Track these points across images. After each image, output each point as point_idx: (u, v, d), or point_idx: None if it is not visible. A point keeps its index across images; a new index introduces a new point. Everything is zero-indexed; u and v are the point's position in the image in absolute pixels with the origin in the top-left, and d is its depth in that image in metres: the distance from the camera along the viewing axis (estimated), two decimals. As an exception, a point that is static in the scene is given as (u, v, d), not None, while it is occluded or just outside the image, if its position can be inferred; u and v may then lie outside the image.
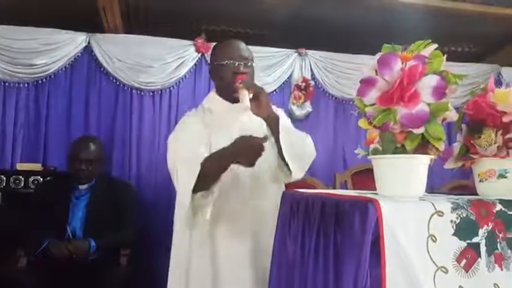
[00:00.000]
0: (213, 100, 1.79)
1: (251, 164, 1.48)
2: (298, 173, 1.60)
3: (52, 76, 3.35)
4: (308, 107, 3.81)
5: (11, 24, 3.25)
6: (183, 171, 1.56)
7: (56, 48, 3.31)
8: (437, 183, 3.33)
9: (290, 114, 3.75)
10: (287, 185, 1.80)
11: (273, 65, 3.71)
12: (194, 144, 1.61)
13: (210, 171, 1.51)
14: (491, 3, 3.31)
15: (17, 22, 3.24)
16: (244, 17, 3.49)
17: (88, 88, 3.44)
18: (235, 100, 1.63)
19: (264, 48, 3.69)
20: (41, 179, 2.95)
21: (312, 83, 3.79)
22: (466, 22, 3.55)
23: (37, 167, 3.10)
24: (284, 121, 1.71)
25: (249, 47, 3.68)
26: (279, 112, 1.83)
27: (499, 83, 4.07)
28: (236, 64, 1.68)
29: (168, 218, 3.38)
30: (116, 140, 3.43)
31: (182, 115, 3.46)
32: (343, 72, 3.81)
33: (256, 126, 1.64)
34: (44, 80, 3.34)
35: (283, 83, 3.79)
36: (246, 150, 1.48)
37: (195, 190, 1.52)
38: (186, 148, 1.61)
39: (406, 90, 0.94)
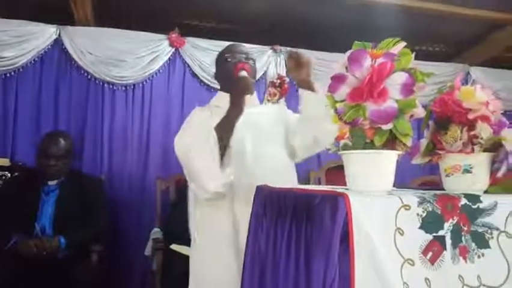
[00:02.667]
0: (220, 98, 1.85)
1: (241, 102, 1.62)
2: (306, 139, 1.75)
3: (21, 69, 3.26)
4: (283, 104, 3.82)
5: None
6: (202, 156, 1.59)
7: (25, 40, 3.22)
8: (408, 178, 3.40)
9: (265, 111, 3.77)
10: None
11: (247, 61, 3.71)
12: (205, 128, 1.65)
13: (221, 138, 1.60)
14: (461, 4, 3.40)
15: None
16: (219, 12, 3.48)
17: (58, 82, 3.36)
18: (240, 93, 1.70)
19: (239, 44, 3.68)
20: (9, 174, 2.88)
21: (287, 79, 3.79)
22: (437, 22, 3.63)
23: (5, 162, 3.01)
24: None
25: (223, 42, 3.69)
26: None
27: (468, 82, 4.19)
28: (237, 57, 1.81)
29: (140, 212, 3.38)
30: (87, 134, 3.36)
31: (156, 110, 3.47)
32: (315, 69, 3.83)
33: (262, 117, 1.79)
34: (12, 73, 3.25)
35: (258, 79, 3.79)
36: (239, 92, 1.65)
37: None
38: (198, 133, 1.66)
39: (375, 87, 0.95)
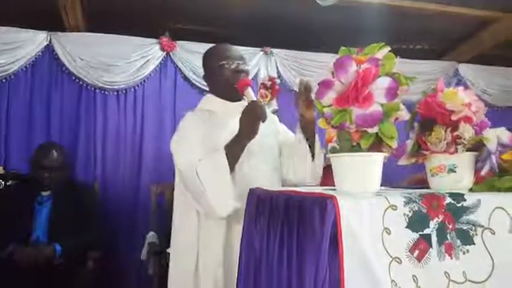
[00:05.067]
0: (213, 102, 1.83)
1: (253, 130, 1.57)
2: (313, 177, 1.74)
3: (12, 76, 3.26)
4: (275, 105, 3.83)
5: (-33, 24, 3.16)
6: (212, 179, 1.56)
7: (15, 47, 3.23)
8: (404, 175, 3.43)
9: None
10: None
11: (238, 64, 3.73)
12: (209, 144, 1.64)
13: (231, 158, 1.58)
14: (448, 3, 3.45)
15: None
16: (209, 16, 3.50)
17: (50, 88, 3.37)
18: (235, 99, 1.70)
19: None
20: (3, 183, 2.88)
21: (278, 81, 3.82)
22: (425, 20, 3.68)
23: (-1, 170, 3.02)
24: None
25: (212, 45, 3.69)
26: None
27: (458, 79, 4.25)
28: (235, 63, 1.74)
29: (134, 218, 3.39)
30: (80, 141, 3.37)
31: (148, 115, 3.48)
32: (306, 70, 3.87)
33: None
34: (3, 80, 3.25)
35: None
36: (247, 118, 1.58)
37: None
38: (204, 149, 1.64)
39: (360, 92, 0.99)
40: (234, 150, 1.59)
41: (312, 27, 3.64)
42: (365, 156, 1.02)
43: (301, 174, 1.76)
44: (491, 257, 1.04)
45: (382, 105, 1.00)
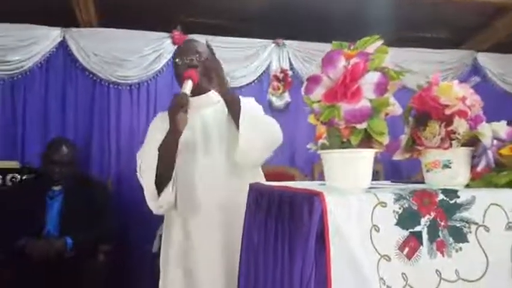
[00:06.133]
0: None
1: (176, 123, 1.55)
2: (253, 155, 1.63)
3: (27, 72, 3.34)
4: (287, 97, 3.83)
5: (-17, 22, 3.23)
6: (145, 176, 1.65)
7: (30, 44, 3.30)
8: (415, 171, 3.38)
9: (269, 105, 3.79)
10: (265, 174, 1.83)
11: (250, 56, 3.73)
12: (154, 146, 1.64)
13: (164, 157, 1.60)
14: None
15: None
16: (220, 9, 3.50)
17: (64, 84, 3.43)
18: (194, 94, 1.66)
19: (241, 39, 3.71)
20: (19, 177, 2.96)
21: (290, 73, 3.81)
22: (441, 9, 3.59)
23: (14, 164, 3.09)
24: (251, 107, 1.73)
25: (226, 38, 3.68)
26: (249, 100, 1.85)
27: (476, 68, 4.14)
28: (187, 59, 1.70)
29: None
30: (94, 135, 3.43)
31: (160, 109, 3.52)
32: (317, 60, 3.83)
33: (219, 119, 1.71)
34: (19, 76, 3.32)
35: (261, 74, 3.81)
36: (169, 112, 1.57)
37: (159, 187, 1.60)
38: (148, 156, 1.67)
39: (349, 87, 0.97)
40: (165, 147, 1.60)
41: (325, 18, 3.58)
42: (355, 152, 1.00)
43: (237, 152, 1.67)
44: (486, 255, 1.01)
45: (371, 100, 0.98)
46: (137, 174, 1.70)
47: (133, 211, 3.31)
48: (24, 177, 2.94)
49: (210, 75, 1.71)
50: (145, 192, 1.65)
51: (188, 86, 1.61)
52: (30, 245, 2.37)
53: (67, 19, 3.33)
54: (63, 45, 3.41)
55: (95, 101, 3.47)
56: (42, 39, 3.33)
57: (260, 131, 1.61)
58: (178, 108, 1.56)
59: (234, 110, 1.63)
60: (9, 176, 2.96)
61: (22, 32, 3.28)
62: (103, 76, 3.45)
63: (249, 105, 1.68)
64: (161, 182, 1.61)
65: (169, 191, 1.62)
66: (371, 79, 0.98)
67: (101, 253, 2.59)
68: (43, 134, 3.29)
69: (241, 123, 1.58)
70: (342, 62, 1.00)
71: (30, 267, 2.32)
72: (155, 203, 1.64)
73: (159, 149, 1.60)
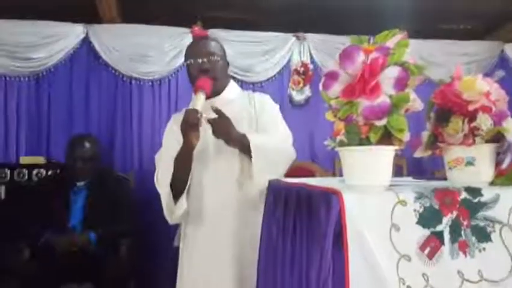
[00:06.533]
0: (193, 100, 1.79)
1: (188, 140, 1.54)
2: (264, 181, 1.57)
3: (52, 69, 3.40)
4: (308, 92, 3.80)
5: (7, 19, 3.28)
6: (161, 182, 1.67)
7: (53, 41, 3.35)
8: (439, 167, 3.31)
9: (290, 100, 3.77)
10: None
11: (270, 50, 3.71)
12: (170, 154, 1.65)
13: (179, 169, 1.62)
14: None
15: (14, 16, 3.27)
16: (240, 2, 3.48)
17: (88, 80, 3.48)
18: (207, 97, 1.63)
19: (261, 33, 3.69)
20: (44, 172, 3.02)
21: (311, 67, 3.77)
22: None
23: (40, 160, 3.16)
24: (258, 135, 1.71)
25: (247, 32, 3.65)
26: (265, 101, 1.84)
27: (503, 60, 4.02)
28: (200, 61, 1.67)
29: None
30: (116, 131, 3.48)
31: (181, 104, 3.53)
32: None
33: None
34: (44, 73, 3.39)
35: (282, 68, 3.78)
36: (182, 129, 1.55)
37: (174, 197, 1.63)
38: (163, 166, 1.69)
39: (368, 83, 0.95)
40: (179, 161, 1.61)
41: (346, 10, 3.53)
42: (374, 150, 0.98)
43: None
44: (510, 255, 0.98)
45: (390, 96, 0.95)
46: (155, 181, 1.72)
47: (155, 205, 3.34)
48: (49, 173, 3.00)
49: (222, 76, 1.73)
50: (163, 204, 1.67)
51: (200, 101, 1.57)
52: (55, 240, 2.42)
53: (89, 15, 3.36)
54: (86, 41, 3.45)
55: (117, 97, 3.51)
56: (66, 36, 3.38)
57: (274, 165, 1.62)
58: (191, 126, 1.53)
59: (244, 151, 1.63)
60: (35, 172, 3.03)
61: (45, 29, 3.33)
62: (125, 72, 3.49)
63: (258, 140, 1.61)
64: (176, 193, 1.63)
65: (182, 202, 1.63)
66: (390, 74, 0.96)
67: (124, 247, 2.62)
68: (68, 129, 3.34)
69: (255, 164, 1.56)
70: (360, 57, 0.97)
71: (55, 262, 2.37)
72: (170, 216, 1.68)
73: (175, 162, 1.61)
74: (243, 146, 1.59)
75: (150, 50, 3.50)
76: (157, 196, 3.34)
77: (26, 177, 3.01)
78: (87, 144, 2.69)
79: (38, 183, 2.95)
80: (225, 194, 1.66)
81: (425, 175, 3.09)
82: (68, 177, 2.69)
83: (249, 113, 1.75)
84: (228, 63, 1.81)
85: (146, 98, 3.56)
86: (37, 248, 2.45)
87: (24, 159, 3.16)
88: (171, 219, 1.69)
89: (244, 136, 1.59)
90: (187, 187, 1.63)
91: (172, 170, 1.61)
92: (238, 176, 1.67)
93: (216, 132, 1.58)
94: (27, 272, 2.40)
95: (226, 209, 1.66)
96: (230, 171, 1.67)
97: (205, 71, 1.67)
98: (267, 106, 1.80)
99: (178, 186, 1.62)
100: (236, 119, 1.62)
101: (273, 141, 1.68)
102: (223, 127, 1.58)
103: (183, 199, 1.62)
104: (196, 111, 1.53)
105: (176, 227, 2.99)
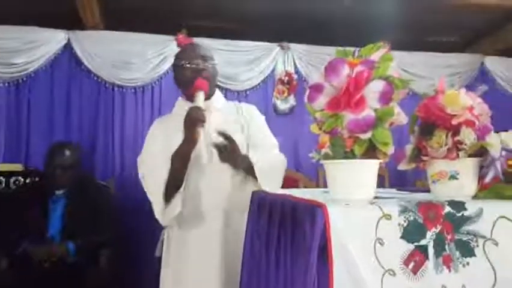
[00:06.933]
0: (179, 105, 1.82)
1: (192, 136, 1.55)
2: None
3: (32, 75, 3.34)
4: (292, 101, 3.80)
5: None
6: (151, 183, 1.65)
7: (35, 46, 3.29)
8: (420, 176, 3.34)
9: (274, 109, 3.76)
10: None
11: (255, 60, 3.71)
12: (159, 158, 1.65)
13: (177, 167, 1.60)
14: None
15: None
16: (225, 12, 3.48)
17: (69, 86, 3.43)
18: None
19: (246, 42, 3.69)
20: (23, 180, 2.95)
21: (295, 76, 3.78)
22: (449, 13, 3.55)
23: (18, 167, 3.09)
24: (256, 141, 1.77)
25: (231, 41, 3.65)
26: (252, 111, 1.86)
27: (483, 73, 4.09)
28: (196, 63, 1.70)
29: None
30: (98, 138, 3.42)
31: (164, 112, 3.50)
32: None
33: (220, 126, 1.68)
34: (24, 79, 3.32)
35: (266, 77, 3.78)
36: (188, 124, 1.56)
37: (167, 198, 1.60)
38: (151, 161, 1.68)
39: (353, 96, 0.95)
40: (178, 159, 1.60)
41: (331, 21, 3.56)
42: (358, 163, 0.98)
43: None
44: (494, 270, 0.98)
45: (375, 110, 0.95)
46: (142, 182, 1.70)
47: (136, 213, 3.30)
48: (27, 181, 2.94)
49: (214, 82, 1.75)
50: (154, 206, 1.65)
51: (201, 99, 1.62)
52: (32, 250, 2.36)
53: (72, 22, 3.32)
54: (68, 47, 3.40)
55: (99, 104, 3.46)
56: (48, 42, 3.32)
57: (277, 179, 1.69)
58: (197, 122, 1.56)
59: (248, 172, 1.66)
60: (12, 179, 2.95)
61: (27, 34, 3.28)
62: (108, 79, 3.44)
63: (261, 163, 1.65)
64: (170, 193, 1.61)
65: (177, 202, 1.61)
66: (375, 88, 0.95)
67: (104, 257, 2.56)
68: (48, 136, 3.27)
69: (262, 185, 1.59)
70: (345, 70, 0.97)
71: (33, 272, 2.31)
72: (162, 216, 1.64)
73: (172, 160, 1.60)
74: (247, 168, 1.63)
75: (133, 57, 3.47)
76: (138, 202, 3.31)
77: (4, 184, 2.94)
78: (67, 152, 2.64)
79: (16, 191, 2.88)
80: (219, 197, 1.67)
81: (407, 185, 3.12)
82: (47, 185, 2.63)
83: (239, 122, 1.77)
84: (217, 72, 1.83)
85: (129, 105, 3.52)
86: (15, 257, 2.39)
87: (2, 167, 3.08)
88: (164, 220, 1.66)
89: (247, 158, 1.63)
90: (183, 186, 1.62)
91: (165, 169, 1.59)
92: (233, 179, 1.68)
93: (225, 157, 1.60)
94: (4, 282, 2.33)
95: (220, 212, 1.66)
96: (225, 174, 1.68)
97: (202, 72, 1.69)
98: (255, 116, 1.83)
99: (174, 185, 1.60)
100: (229, 129, 1.64)
101: (271, 157, 1.74)
102: (231, 152, 1.61)
103: (178, 199, 1.60)
104: (199, 108, 1.57)
105: (159, 234, 2.95)
